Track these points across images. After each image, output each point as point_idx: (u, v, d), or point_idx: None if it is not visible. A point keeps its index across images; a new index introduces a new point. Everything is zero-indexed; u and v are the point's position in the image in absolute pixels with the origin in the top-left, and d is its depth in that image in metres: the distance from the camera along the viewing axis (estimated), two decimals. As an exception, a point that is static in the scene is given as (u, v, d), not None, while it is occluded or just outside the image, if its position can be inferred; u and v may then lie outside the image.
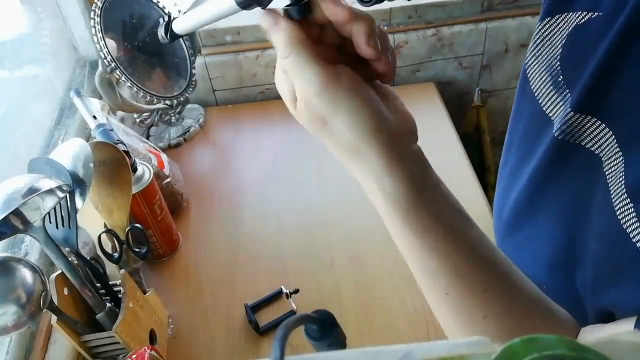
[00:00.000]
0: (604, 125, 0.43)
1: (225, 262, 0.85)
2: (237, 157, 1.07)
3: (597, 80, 0.42)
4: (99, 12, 0.90)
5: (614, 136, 0.42)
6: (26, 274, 0.55)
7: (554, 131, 0.47)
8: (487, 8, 1.15)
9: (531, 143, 0.51)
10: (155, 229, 0.82)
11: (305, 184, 0.98)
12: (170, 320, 0.77)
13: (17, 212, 0.53)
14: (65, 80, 1.03)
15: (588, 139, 0.45)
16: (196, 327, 0.76)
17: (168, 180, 0.90)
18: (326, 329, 0.42)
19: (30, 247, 0.73)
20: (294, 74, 0.38)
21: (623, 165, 0.40)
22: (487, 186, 1.30)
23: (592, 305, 0.44)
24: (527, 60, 0.52)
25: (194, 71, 1.08)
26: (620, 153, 0.41)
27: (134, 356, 0.57)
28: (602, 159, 0.43)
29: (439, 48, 1.19)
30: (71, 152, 0.64)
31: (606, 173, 0.42)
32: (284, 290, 0.77)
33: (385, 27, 1.15)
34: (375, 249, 0.83)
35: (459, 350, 0.25)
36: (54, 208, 0.61)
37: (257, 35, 1.13)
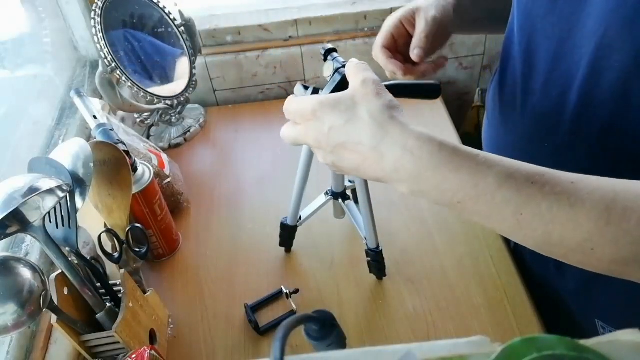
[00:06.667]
0: None
1: (225, 262, 0.85)
2: (237, 157, 1.07)
3: None
4: (99, 12, 0.90)
5: None
6: (26, 274, 0.55)
7: None
8: (488, 8, 1.15)
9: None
10: (155, 229, 0.82)
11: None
12: (170, 320, 0.77)
13: (17, 212, 0.53)
14: (65, 80, 1.04)
15: None
16: (196, 327, 0.76)
17: (168, 180, 0.90)
18: (326, 329, 0.42)
19: (31, 247, 0.73)
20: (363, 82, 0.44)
21: None
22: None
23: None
24: None
25: (194, 71, 1.08)
26: None
27: (134, 356, 0.57)
28: None
29: (439, 48, 1.19)
30: (71, 152, 0.64)
31: None
32: (284, 290, 0.77)
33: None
34: (375, 249, 0.83)
35: (459, 350, 0.25)
36: (54, 208, 0.61)
37: (258, 36, 1.13)
